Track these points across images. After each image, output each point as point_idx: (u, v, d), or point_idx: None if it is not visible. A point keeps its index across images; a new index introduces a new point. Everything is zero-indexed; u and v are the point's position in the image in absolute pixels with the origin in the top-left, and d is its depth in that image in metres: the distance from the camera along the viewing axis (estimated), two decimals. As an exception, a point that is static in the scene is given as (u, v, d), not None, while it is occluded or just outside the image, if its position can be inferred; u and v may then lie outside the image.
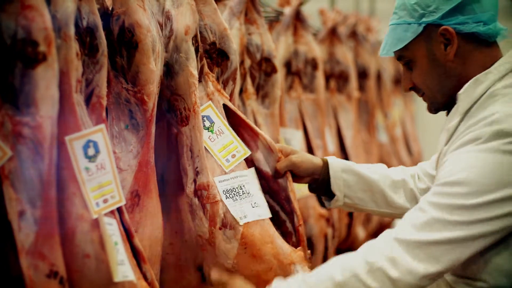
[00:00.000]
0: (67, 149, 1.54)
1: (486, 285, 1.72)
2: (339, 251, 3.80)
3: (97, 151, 1.60)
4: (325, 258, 3.19)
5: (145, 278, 1.68)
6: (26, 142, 1.45)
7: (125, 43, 1.79)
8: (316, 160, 2.10)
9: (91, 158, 1.59)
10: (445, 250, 1.64)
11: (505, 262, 1.70)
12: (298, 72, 3.23)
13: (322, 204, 3.14)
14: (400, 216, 2.08)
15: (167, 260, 2.02)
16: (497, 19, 1.84)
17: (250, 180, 1.97)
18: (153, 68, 1.79)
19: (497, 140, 1.66)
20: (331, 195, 2.11)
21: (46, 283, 1.48)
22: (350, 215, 3.70)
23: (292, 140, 3.05)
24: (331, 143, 3.58)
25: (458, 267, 1.70)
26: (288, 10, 3.19)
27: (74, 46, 1.55)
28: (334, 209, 3.23)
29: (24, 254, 1.46)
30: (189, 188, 1.91)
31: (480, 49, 1.82)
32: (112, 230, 1.60)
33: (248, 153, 1.99)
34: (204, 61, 1.98)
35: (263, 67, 2.53)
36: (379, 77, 4.54)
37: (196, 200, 1.90)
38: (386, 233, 1.70)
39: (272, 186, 2.06)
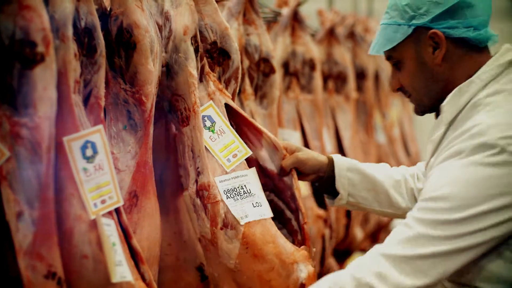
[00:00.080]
0: (65, 149, 1.54)
1: None
2: (337, 252, 3.80)
3: (95, 152, 1.60)
4: (323, 259, 3.19)
5: (143, 279, 1.68)
6: (24, 143, 1.45)
7: (123, 43, 1.79)
8: (321, 157, 2.09)
9: (89, 159, 1.58)
10: (431, 264, 1.64)
11: (500, 269, 1.69)
12: (296, 72, 3.22)
13: (320, 205, 3.15)
14: (401, 216, 2.08)
15: (165, 261, 2.01)
16: (488, 25, 1.82)
17: (251, 179, 1.96)
18: (151, 69, 1.79)
19: (479, 153, 1.65)
20: (334, 193, 2.11)
21: (44, 284, 1.47)
22: (348, 215, 3.70)
23: (290, 141, 3.05)
24: (329, 144, 3.57)
25: (454, 275, 1.70)
26: (286, 11, 3.19)
27: (72, 47, 1.55)
28: (332, 210, 3.23)
29: (22, 254, 1.46)
30: (191, 188, 1.91)
31: (470, 54, 1.81)
32: (110, 230, 1.60)
33: (249, 153, 1.98)
34: (205, 60, 1.98)
35: (261, 68, 2.53)
36: (377, 77, 4.54)
37: (198, 201, 1.90)
38: (373, 249, 1.71)
39: (277, 184, 2.05)
